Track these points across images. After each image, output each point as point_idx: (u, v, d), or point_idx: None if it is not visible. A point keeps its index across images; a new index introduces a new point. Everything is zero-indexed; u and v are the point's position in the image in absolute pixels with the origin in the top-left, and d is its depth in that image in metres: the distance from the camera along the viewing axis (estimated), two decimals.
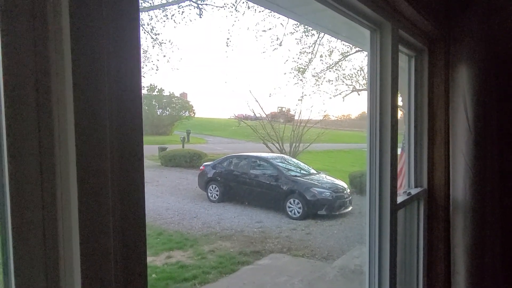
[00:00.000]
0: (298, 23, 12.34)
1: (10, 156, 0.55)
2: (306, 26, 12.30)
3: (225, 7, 11.79)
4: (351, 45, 13.49)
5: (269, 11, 12.12)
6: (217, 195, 9.43)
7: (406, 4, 1.64)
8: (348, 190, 9.00)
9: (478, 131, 2.09)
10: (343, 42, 14.71)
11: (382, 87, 1.71)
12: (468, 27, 2.11)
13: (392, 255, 1.74)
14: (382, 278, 1.75)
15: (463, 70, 2.12)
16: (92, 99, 0.58)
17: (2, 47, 0.53)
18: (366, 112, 1.77)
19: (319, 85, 14.31)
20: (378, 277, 1.75)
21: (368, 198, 1.76)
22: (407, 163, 2.29)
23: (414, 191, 2.14)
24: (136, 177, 0.65)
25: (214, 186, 9.53)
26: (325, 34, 12.67)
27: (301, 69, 13.85)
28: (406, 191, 2.10)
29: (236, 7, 11.67)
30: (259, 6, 11.37)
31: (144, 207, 0.66)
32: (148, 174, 10.80)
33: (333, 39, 14.76)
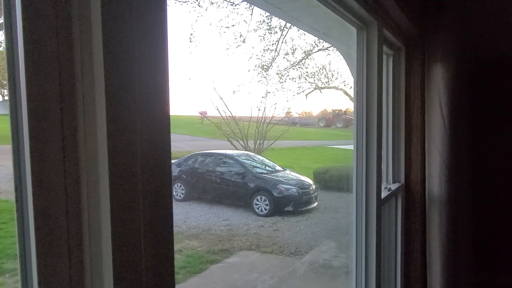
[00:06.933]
0: (261, 21, 12.34)
1: (33, 160, 0.49)
2: (269, 24, 12.31)
3: (187, 2, 11.54)
4: (313, 44, 13.67)
5: (232, 7, 12.04)
6: (182, 193, 9.25)
7: (392, 1, 1.66)
8: (314, 186, 9.15)
9: (453, 129, 2.17)
10: (306, 40, 14.86)
11: (368, 85, 1.73)
12: (443, 26, 2.18)
13: (378, 249, 1.77)
14: (369, 273, 1.78)
15: (438, 69, 2.20)
16: (123, 102, 0.53)
17: (24, 53, 0.48)
18: (353, 110, 1.79)
19: (282, 82, 14.40)
20: (365, 272, 1.78)
21: (355, 194, 1.78)
22: (386, 159, 2.35)
23: (393, 187, 2.20)
24: (165, 179, 0.60)
25: (179, 184, 9.34)
26: (288, 32, 12.76)
27: (264, 67, 13.87)
28: (386, 187, 2.15)
29: (199, 2, 11.49)
30: (222, 2, 11.28)
31: (172, 208, 0.62)
32: None
33: (296, 37, 14.90)
